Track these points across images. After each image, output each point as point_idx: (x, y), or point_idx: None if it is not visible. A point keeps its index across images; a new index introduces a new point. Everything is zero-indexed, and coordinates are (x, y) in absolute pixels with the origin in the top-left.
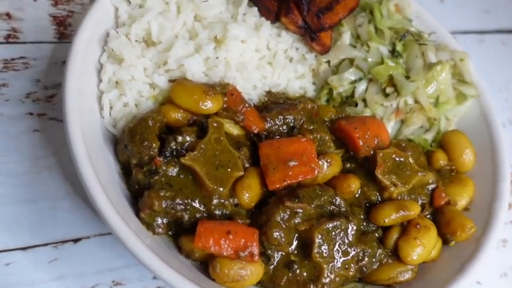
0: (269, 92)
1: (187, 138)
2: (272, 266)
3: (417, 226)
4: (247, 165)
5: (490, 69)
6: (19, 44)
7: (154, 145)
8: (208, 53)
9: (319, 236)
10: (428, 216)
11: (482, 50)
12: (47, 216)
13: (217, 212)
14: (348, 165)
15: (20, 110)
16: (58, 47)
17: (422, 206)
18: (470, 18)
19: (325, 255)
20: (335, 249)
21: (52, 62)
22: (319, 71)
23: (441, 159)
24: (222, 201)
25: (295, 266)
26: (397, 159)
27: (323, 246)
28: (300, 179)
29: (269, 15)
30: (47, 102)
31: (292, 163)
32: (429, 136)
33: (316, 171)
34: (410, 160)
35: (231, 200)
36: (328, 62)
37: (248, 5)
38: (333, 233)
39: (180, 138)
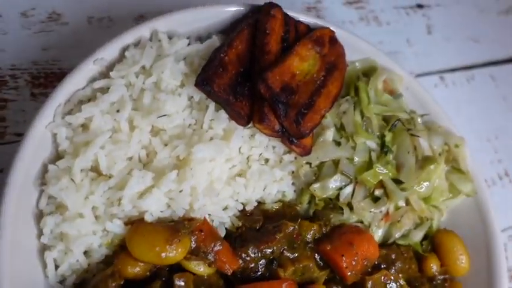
0: (243, 212)
1: None
2: None
3: None
4: None
5: (480, 114)
6: None
7: None
8: (170, 186)
9: None
10: None
11: (471, 90)
12: None
13: None
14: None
15: None
16: None
17: None
18: (458, 50)
19: None
20: None
21: None
22: (299, 174)
23: (434, 265)
24: None
25: None
26: (387, 282)
27: None
28: None
29: (240, 119)
30: None
31: None
32: (420, 233)
33: None
34: (401, 282)
35: None
36: (310, 163)
37: (215, 108)
38: None
39: None
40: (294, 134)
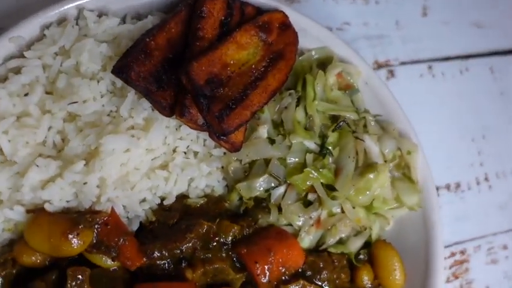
0: (161, 206)
1: None
2: None
3: None
4: None
5: (469, 110)
6: None
7: None
8: (75, 177)
9: None
10: None
11: (463, 83)
12: None
13: None
14: None
15: None
16: None
17: None
18: (456, 36)
19: None
20: None
21: None
22: (228, 170)
23: (366, 278)
24: None
25: None
26: None
27: None
28: None
29: (163, 110)
30: None
31: None
32: (358, 243)
33: None
34: None
35: None
36: (240, 160)
37: (139, 96)
38: None
39: None
40: (217, 131)
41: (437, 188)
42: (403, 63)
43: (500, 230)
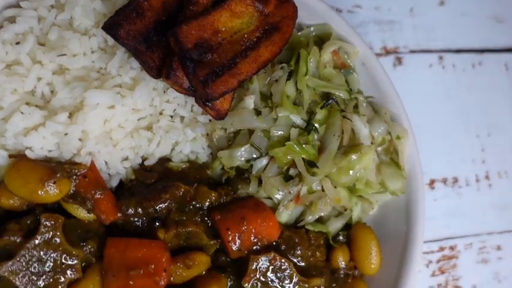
0: (142, 166)
1: (11, 239)
2: None
3: None
4: (94, 260)
5: (477, 105)
6: None
7: None
8: (57, 127)
9: None
10: None
11: (474, 77)
12: None
13: None
14: (223, 258)
15: None
16: None
17: None
18: (473, 29)
19: None
20: None
21: None
22: (213, 137)
23: (342, 258)
24: None
25: None
26: (275, 264)
27: None
28: None
29: (150, 71)
30: None
31: (134, 272)
32: (338, 224)
33: (161, 285)
34: (290, 270)
35: None
36: (225, 128)
37: (127, 56)
38: None
39: None
40: (201, 96)
41: (433, 181)
42: (412, 51)
43: (496, 230)
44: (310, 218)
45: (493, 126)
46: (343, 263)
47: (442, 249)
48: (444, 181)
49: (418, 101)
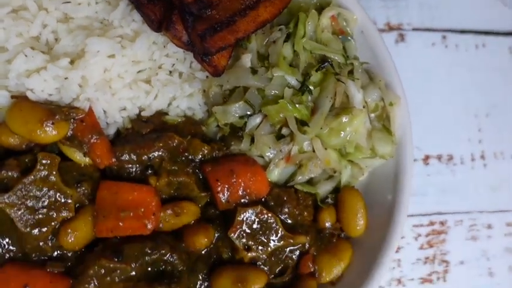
0: (138, 117)
1: (9, 174)
2: None
3: None
4: (87, 202)
5: (477, 85)
6: None
7: None
8: (58, 72)
9: None
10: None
11: (476, 58)
12: None
13: (34, 255)
14: (212, 211)
15: None
16: None
17: (284, 269)
18: (479, 10)
19: None
20: None
21: None
22: (209, 94)
23: (328, 219)
24: (40, 243)
25: None
26: (262, 218)
27: None
28: (129, 233)
29: (151, 24)
30: None
31: (124, 214)
32: (327, 187)
33: (148, 228)
34: (276, 225)
35: (52, 242)
36: (221, 85)
37: (130, 8)
38: None
39: None
40: (198, 50)
41: (428, 157)
42: (416, 29)
43: (488, 209)
44: (300, 178)
45: (492, 107)
46: (329, 223)
47: (432, 223)
48: (439, 158)
49: (418, 78)
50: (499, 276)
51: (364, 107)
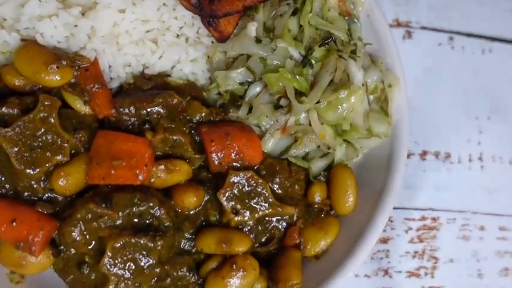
0: (142, 74)
1: (9, 111)
2: (62, 261)
3: (233, 266)
4: (82, 150)
5: (481, 88)
6: None
7: None
8: (69, 19)
9: (112, 249)
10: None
11: (482, 62)
12: None
13: (25, 194)
14: (204, 173)
15: None
16: None
17: (270, 239)
18: (487, 16)
19: (114, 268)
20: (128, 265)
21: None
22: (213, 60)
23: (318, 194)
24: (33, 183)
25: (86, 268)
26: (252, 183)
27: (115, 260)
28: (120, 182)
29: None
30: None
31: (117, 163)
32: (321, 164)
33: (139, 179)
34: (265, 191)
35: (44, 184)
36: (225, 52)
37: None
38: (131, 249)
39: None
40: (206, 12)
41: (425, 152)
42: (424, 27)
43: (482, 211)
44: (294, 151)
45: (494, 111)
46: (319, 198)
47: (424, 218)
48: (436, 155)
49: (422, 75)
50: (489, 279)
51: (363, 85)
